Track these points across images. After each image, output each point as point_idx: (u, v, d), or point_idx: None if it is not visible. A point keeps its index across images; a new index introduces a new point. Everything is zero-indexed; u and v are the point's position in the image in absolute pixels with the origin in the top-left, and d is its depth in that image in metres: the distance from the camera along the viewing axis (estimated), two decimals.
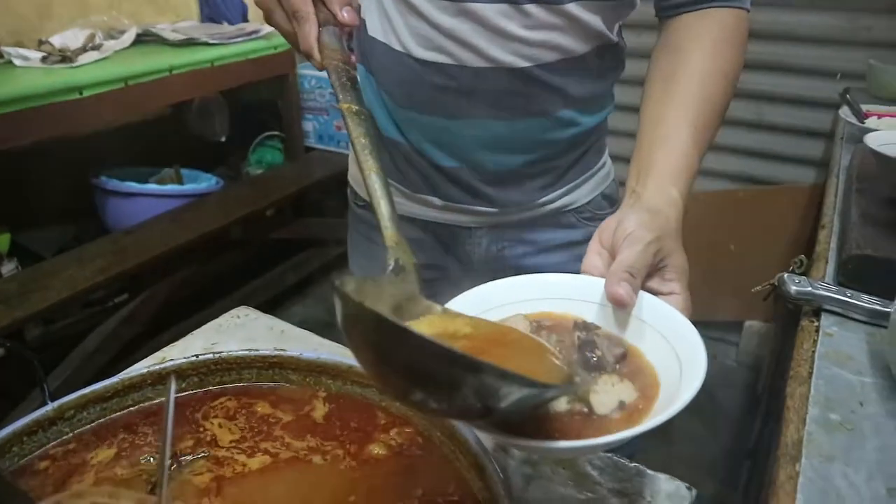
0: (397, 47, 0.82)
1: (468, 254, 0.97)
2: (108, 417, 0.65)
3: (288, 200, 2.40)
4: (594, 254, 0.59)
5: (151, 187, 2.21)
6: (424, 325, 0.50)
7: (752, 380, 2.27)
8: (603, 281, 0.54)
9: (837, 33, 2.05)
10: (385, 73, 0.86)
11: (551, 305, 0.57)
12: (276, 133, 2.66)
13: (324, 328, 0.85)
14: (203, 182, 2.42)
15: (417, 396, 0.40)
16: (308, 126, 2.65)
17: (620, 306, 0.53)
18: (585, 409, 0.47)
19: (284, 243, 2.47)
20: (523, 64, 0.79)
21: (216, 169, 2.57)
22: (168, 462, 0.39)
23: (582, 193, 0.95)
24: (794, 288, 0.81)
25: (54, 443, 0.60)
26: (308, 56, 0.64)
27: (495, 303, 0.56)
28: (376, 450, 0.60)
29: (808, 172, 2.20)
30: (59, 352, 1.83)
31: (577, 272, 0.82)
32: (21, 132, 1.74)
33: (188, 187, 2.33)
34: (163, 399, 0.66)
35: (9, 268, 1.96)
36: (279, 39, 2.34)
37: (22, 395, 1.67)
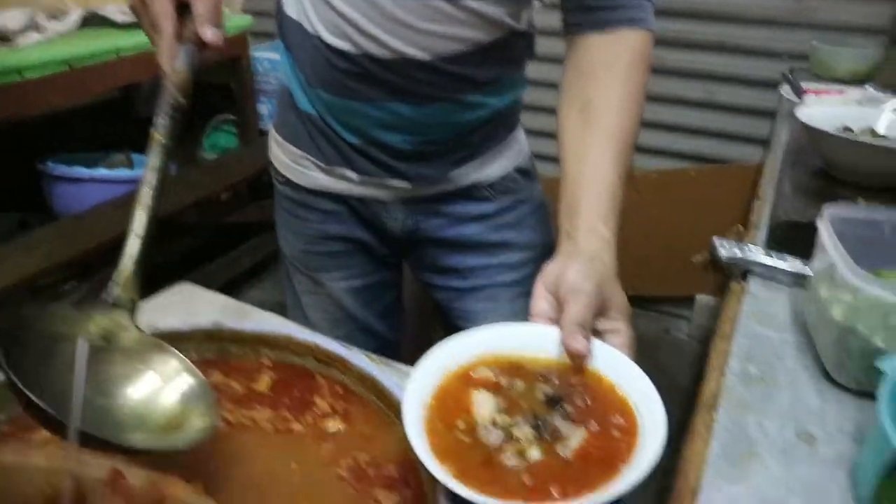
0: (309, 29, 0.84)
1: (385, 227, 1.00)
2: None
3: (243, 184, 2.37)
4: (541, 299, 0.63)
5: (101, 172, 2.17)
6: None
7: (704, 353, 2.33)
8: (552, 329, 0.60)
9: (784, 14, 2.10)
10: (298, 52, 0.88)
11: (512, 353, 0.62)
12: (229, 117, 2.63)
13: (281, 311, 0.86)
14: None
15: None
16: (262, 109, 2.62)
17: (579, 359, 0.58)
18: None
19: (239, 227, 2.45)
20: (426, 56, 0.80)
21: None
22: (78, 414, 0.39)
23: (495, 168, 0.98)
24: (723, 252, 0.84)
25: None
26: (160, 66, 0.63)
27: (461, 356, 0.60)
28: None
29: (757, 151, 2.26)
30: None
31: (492, 243, 0.95)
32: None
33: (138, 172, 2.28)
34: None
35: None
36: (232, 22, 2.30)
37: None
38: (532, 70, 0.97)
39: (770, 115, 2.20)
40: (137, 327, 0.54)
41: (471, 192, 0.98)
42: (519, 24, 0.84)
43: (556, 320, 0.61)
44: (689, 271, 2.31)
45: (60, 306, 0.52)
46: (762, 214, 1.03)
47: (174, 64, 0.62)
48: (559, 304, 0.61)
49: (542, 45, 0.97)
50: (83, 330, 0.50)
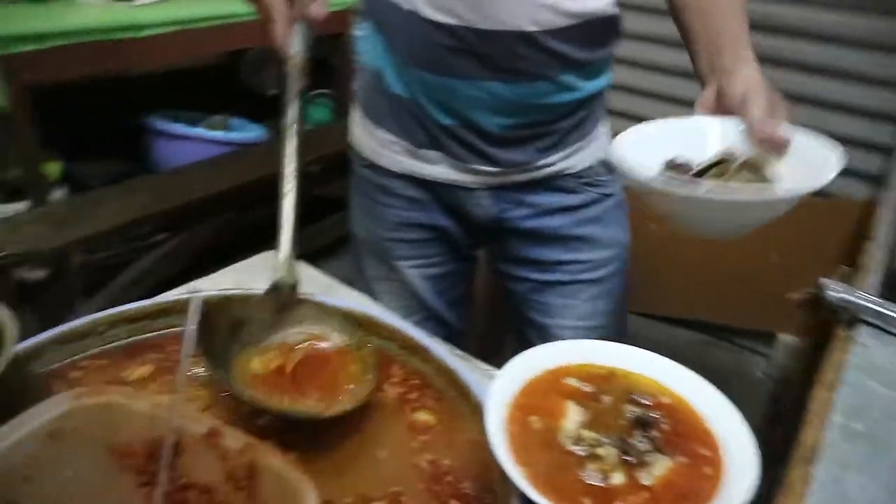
0: (404, 5, 0.84)
1: (469, 214, 0.99)
2: (135, 338, 0.67)
3: (334, 158, 2.41)
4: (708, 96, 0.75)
5: (200, 131, 2.24)
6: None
7: (780, 393, 2.23)
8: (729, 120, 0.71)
9: None
10: (392, 31, 0.89)
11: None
12: (325, 91, 2.67)
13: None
14: (250, 132, 2.44)
15: None
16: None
17: (780, 145, 0.68)
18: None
19: (323, 201, 2.49)
20: (532, 28, 0.81)
21: (264, 122, 2.59)
22: (187, 368, 0.40)
23: (581, 158, 0.98)
24: (834, 294, 0.79)
25: (84, 355, 0.63)
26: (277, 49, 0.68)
27: (549, 362, 0.61)
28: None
29: (862, 187, 2.12)
30: (98, 281, 1.88)
31: (575, 237, 1.03)
32: (79, 64, 1.78)
33: (235, 135, 2.35)
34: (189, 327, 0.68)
35: (60, 194, 2.02)
36: None
37: (64, 315, 1.73)
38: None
39: (884, 150, 2.06)
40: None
41: (556, 182, 0.97)
42: (614, 8, 0.87)
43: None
44: (772, 306, 2.20)
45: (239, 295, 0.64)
46: (875, 257, 0.96)
47: (291, 47, 0.67)
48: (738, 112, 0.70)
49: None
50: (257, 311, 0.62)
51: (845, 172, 2.08)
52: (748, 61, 0.74)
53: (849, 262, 1.90)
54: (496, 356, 0.69)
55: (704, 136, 0.72)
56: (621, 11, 0.90)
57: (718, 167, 0.68)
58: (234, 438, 0.38)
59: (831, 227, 2.12)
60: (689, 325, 2.38)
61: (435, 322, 1.10)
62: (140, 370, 0.61)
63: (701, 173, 0.68)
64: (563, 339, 0.62)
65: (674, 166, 0.69)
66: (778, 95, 0.70)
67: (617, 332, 1.08)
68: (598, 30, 0.88)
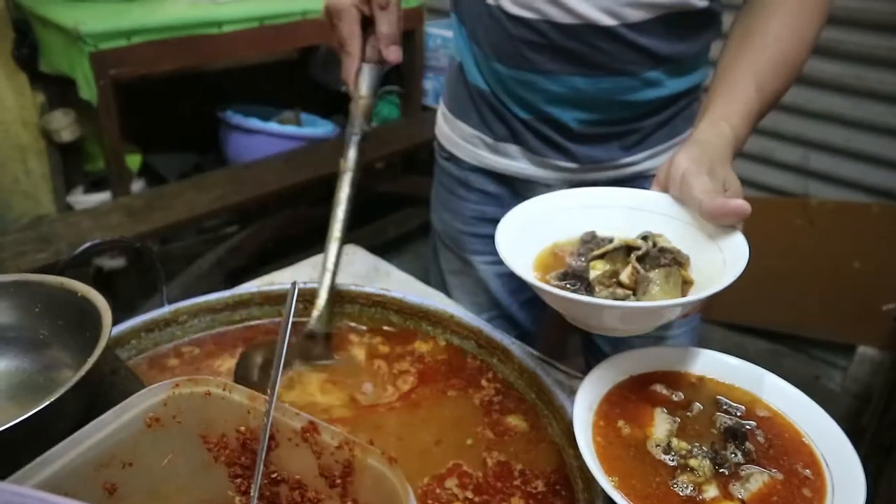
0: (490, 1, 0.83)
1: None
2: (216, 330, 0.68)
3: (399, 156, 2.42)
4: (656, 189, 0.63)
5: (272, 126, 2.29)
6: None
7: (858, 408, 2.12)
8: (660, 195, 0.61)
9: None
10: (475, 24, 0.87)
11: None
12: (395, 88, 2.69)
13: None
14: (320, 127, 2.48)
15: None
16: (428, 85, 2.65)
17: (733, 216, 0.55)
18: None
19: (390, 197, 2.51)
20: (610, 22, 0.78)
21: (333, 117, 2.62)
22: (282, 364, 0.40)
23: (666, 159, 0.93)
24: None
25: (175, 343, 0.64)
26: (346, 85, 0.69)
27: (634, 368, 0.58)
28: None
29: None
30: (172, 270, 1.95)
31: None
32: (163, 59, 1.84)
33: (306, 130, 2.39)
34: (270, 320, 0.69)
35: (138, 186, 2.10)
36: None
37: (138, 302, 1.80)
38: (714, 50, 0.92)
39: None
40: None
41: (641, 182, 0.93)
42: (701, 0, 0.81)
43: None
44: (853, 316, 2.10)
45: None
46: None
47: (360, 86, 0.68)
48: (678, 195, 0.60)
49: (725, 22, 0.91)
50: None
51: None
52: (710, 132, 0.64)
53: None
54: (561, 358, 0.68)
55: (634, 210, 0.62)
56: (723, 5, 0.86)
57: (627, 252, 0.57)
58: (330, 434, 0.37)
59: None
60: (761, 334, 2.29)
61: (507, 322, 1.08)
62: (230, 363, 0.62)
63: (603, 255, 0.57)
64: (632, 344, 0.59)
65: (588, 240, 0.59)
66: (733, 175, 0.60)
67: (689, 339, 1.04)
68: (686, 24, 0.83)
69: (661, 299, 0.52)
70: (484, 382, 0.62)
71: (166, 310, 0.65)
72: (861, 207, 2.13)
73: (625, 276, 0.54)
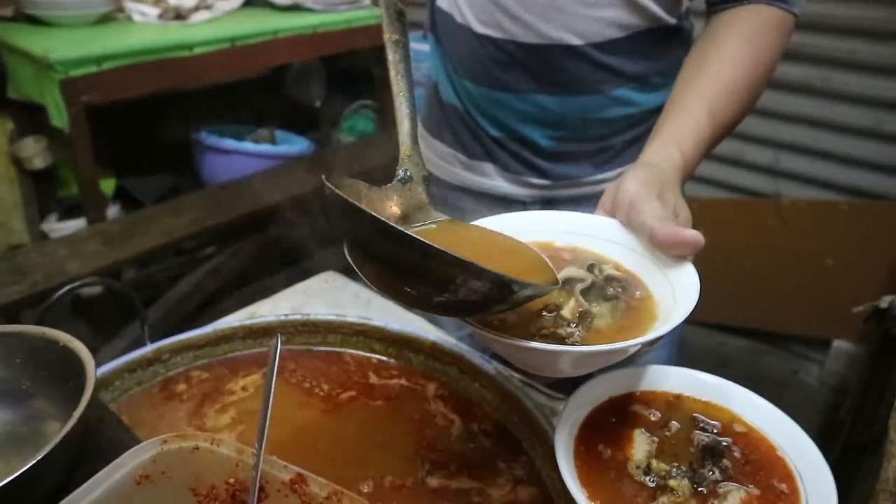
0: (459, 20, 0.85)
1: None
2: (199, 363, 0.68)
3: (376, 172, 2.43)
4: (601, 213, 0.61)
5: (247, 146, 2.28)
6: (434, 232, 0.53)
7: (835, 402, 2.16)
8: (608, 220, 0.58)
9: None
10: (449, 44, 0.89)
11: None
12: (369, 102, 2.69)
13: None
14: (296, 145, 2.48)
15: (399, 286, 0.43)
16: None
17: (689, 248, 0.52)
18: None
19: None
20: (576, 41, 0.80)
21: (308, 132, 2.62)
22: (268, 414, 0.40)
23: None
24: None
25: (152, 382, 0.64)
26: None
27: (615, 389, 0.57)
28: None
29: None
30: (150, 295, 1.93)
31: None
32: (134, 84, 1.84)
33: (281, 148, 2.39)
34: (257, 350, 0.70)
35: (113, 211, 2.08)
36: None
37: (116, 329, 1.78)
38: None
39: None
40: (430, 203, 0.56)
41: None
42: (669, 17, 0.82)
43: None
44: (828, 312, 2.14)
45: (363, 185, 0.53)
46: None
47: None
48: (626, 221, 0.57)
49: None
50: (384, 206, 0.53)
51: None
52: (658, 155, 0.63)
53: None
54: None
55: (578, 236, 0.60)
56: (695, 20, 0.87)
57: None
58: (319, 486, 0.38)
59: (889, 230, 2.05)
60: (740, 333, 2.32)
61: None
62: (223, 418, 0.62)
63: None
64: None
65: None
66: (682, 201, 0.59)
67: (668, 350, 1.06)
68: (655, 41, 0.84)
69: (606, 336, 0.50)
70: (464, 408, 0.63)
71: (148, 349, 0.65)
72: (831, 206, 2.18)
73: (567, 311, 0.51)
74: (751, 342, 2.32)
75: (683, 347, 1.03)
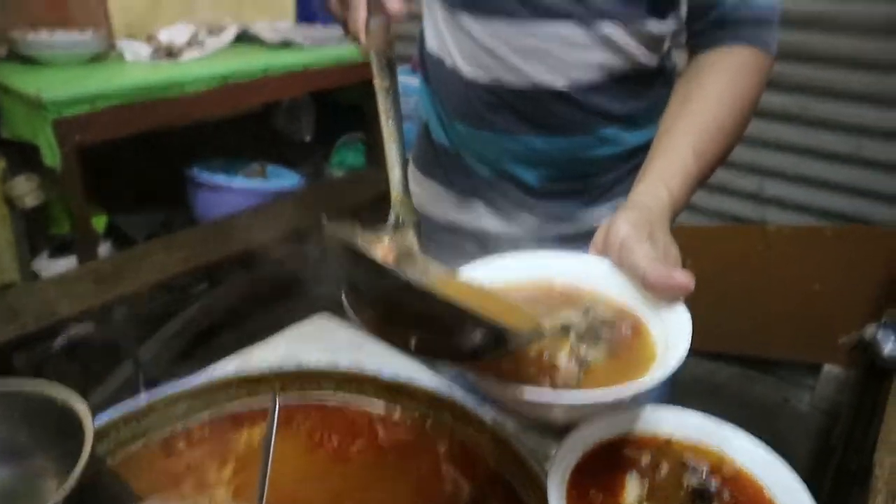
0: (448, 63, 0.87)
1: None
2: (196, 415, 0.68)
3: (366, 207, 2.44)
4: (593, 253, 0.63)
5: (238, 181, 2.30)
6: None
7: (827, 426, 2.17)
8: (602, 260, 0.60)
9: None
10: (438, 86, 0.92)
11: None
12: (358, 135, 2.72)
13: None
14: (286, 179, 2.50)
15: (398, 332, 0.44)
16: None
17: (680, 292, 0.55)
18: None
19: None
20: (562, 84, 0.82)
21: (299, 166, 2.64)
22: (268, 472, 0.41)
23: None
24: (889, 346, 0.78)
25: (149, 437, 0.64)
26: (355, 39, 0.64)
27: (605, 433, 0.58)
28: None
29: None
30: (141, 332, 1.92)
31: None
32: (127, 123, 1.85)
33: (272, 184, 2.41)
34: (247, 400, 0.70)
35: (105, 248, 2.08)
36: None
37: (109, 367, 1.77)
38: None
39: None
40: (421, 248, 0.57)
41: None
42: (650, 60, 0.84)
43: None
44: (816, 336, 2.16)
45: (357, 229, 0.55)
46: None
47: (371, 28, 0.63)
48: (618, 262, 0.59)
49: None
50: (377, 250, 0.54)
51: (886, 198, 2.05)
52: (647, 195, 0.64)
53: (892, 292, 1.85)
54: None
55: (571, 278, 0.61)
56: (677, 54, 0.89)
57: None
58: None
59: (874, 254, 2.08)
60: (730, 360, 2.33)
61: None
62: (225, 472, 0.62)
63: None
64: None
65: None
66: (671, 240, 0.60)
67: (667, 380, 1.06)
68: (638, 82, 0.86)
69: (603, 379, 0.51)
70: (458, 454, 0.64)
71: (143, 402, 0.66)
72: (815, 231, 2.21)
73: (563, 356, 0.52)
74: (741, 369, 2.33)
75: (675, 377, 1.04)
